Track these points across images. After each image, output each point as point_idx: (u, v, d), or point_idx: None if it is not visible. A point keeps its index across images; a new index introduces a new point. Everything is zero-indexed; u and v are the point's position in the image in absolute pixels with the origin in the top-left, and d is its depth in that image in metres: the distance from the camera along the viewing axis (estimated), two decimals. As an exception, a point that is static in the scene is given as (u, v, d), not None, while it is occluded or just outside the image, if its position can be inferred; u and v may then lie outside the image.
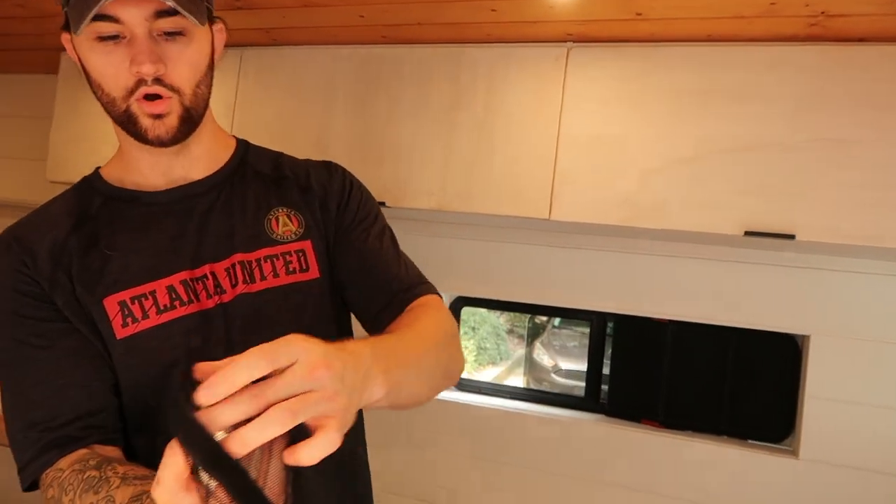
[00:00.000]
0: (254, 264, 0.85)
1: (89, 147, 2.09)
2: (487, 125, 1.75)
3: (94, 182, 0.88)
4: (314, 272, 0.88)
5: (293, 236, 0.88)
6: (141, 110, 0.78)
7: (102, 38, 0.75)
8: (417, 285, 0.91)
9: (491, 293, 2.10)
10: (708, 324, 1.91)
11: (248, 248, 0.85)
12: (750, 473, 1.83)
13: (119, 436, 0.79)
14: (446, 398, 2.13)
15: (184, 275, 0.81)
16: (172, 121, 0.79)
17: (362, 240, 0.92)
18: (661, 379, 2.00)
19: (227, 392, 0.45)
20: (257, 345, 0.67)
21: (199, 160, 0.88)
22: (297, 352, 0.49)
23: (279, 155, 0.98)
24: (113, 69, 0.76)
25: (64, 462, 0.73)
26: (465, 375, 2.26)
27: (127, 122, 0.79)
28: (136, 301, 0.79)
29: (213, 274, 0.82)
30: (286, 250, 0.87)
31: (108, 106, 0.79)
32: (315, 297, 0.87)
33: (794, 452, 1.83)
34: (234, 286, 0.83)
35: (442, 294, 2.16)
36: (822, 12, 1.41)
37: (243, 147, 0.95)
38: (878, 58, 1.50)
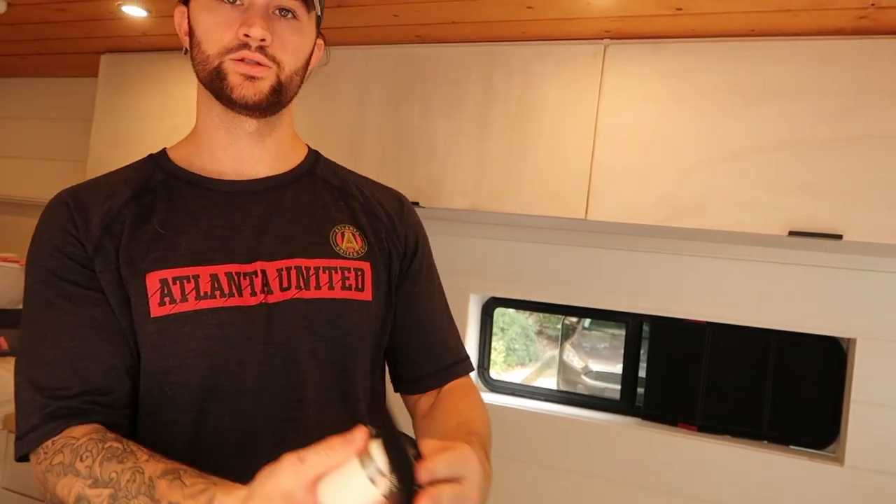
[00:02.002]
0: (311, 271, 0.84)
1: (128, 148, 2.12)
2: (522, 124, 1.73)
3: (159, 159, 0.89)
4: (367, 294, 0.87)
5: (355, 254, 0.88)
6: (232, 68, 0.80)
7: (220, 0, 0.81)
8: (462, 361, 0.96)
9: (525, 294, 2.07)
10: (747, 326, 1.86)
11: (308, 254, 0.85)
12: (792, 480, 1.78)
13: (126, 422, 0.77)
14: (479, 399, 2.11)
15: (232, 267, 0.80)
16: (264, 86, 0.81)
17: (428, 295, 0.97)
18: (698, 382, 1.96)
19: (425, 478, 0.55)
20: (301, 350, 0.82)
21: (271, 156, 0.89)
22: (472, 469, 0.59)
23: (350, 172, 0.99)
24: (221, 27, 0.80)
25: (77, 431, 0.71)
26: (496, 376, 2.24)
27: (215, 79, 0.81)
28: (177, 282, 0.78)
29: (263, 272, 0.81)
30: (346, 265, 0.87)
31: (201, 65, 0.82)
32: (363, 318, 0.87)
33: (838, 459, 1.77)
34: (284, 289, 0.82)
35: (475, 294, 2.15)
36: (873, 4, 1.37)
37: (314, 156, 0.97)
38: (930, 51, 1.44)
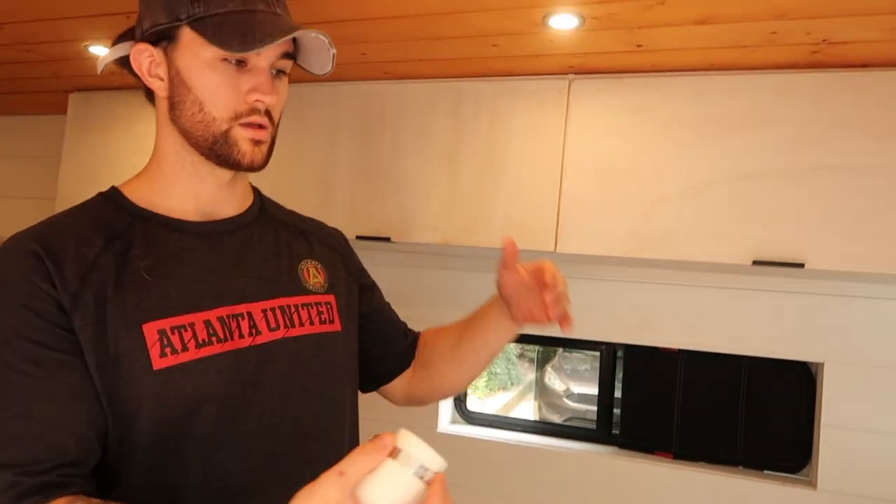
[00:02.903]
0: (293, 309, 0.87)
1: (96, 186, 2.09)
2: (491, 159, 1.75)
3: (116, 199, 0.84)
4: (338, 325, 0.92)
5: (321, 289, 0.93)
6: (242, 135, 0.81)
7: (227, 60, 0.79)
8: (410, 331, 1.13)
9: (499, 324, 2.07)
10: (719, 353, 1.88)
11: (287, 292, 0.88)
12: (767, 505, 1.79)
13: (97, 493, 0.73)
14: (453, 432, 2.10)
15: (222, 310, 0.80)
16: (265, 148, 0.84)
17: (383, 304, 1.10)
18: (673, 409, 1.97)
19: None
20: (294, 386, 0.84)
21: (237, 198, 0.90)
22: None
23: (290, 210, 1.02)
24: (228, 91, 0.79)
25: (59, 502, 0.67)
26: (473, 408, 2.23)
27: (223, 144, 0.81)
28: (175, 331, 0.76)
29: (249, 314, 0.82)
30: (318, 300, 0.91)
31: (203, 125, 0.80)
32: (339, 348, 0.92)
33: (811, 483, 1.79)
34: (272, 329, 0.84)
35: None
36: (824, 40, 1.41)
37: (259, 194, 0.98)
38: (882, 83, 1.49)
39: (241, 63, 0.80)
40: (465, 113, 1.78)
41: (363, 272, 1.08)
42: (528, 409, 5.35)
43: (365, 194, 1.85)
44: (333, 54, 0.84)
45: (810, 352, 1.79)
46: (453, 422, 2.20)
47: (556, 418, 4.76)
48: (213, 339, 0.78)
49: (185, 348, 0.76)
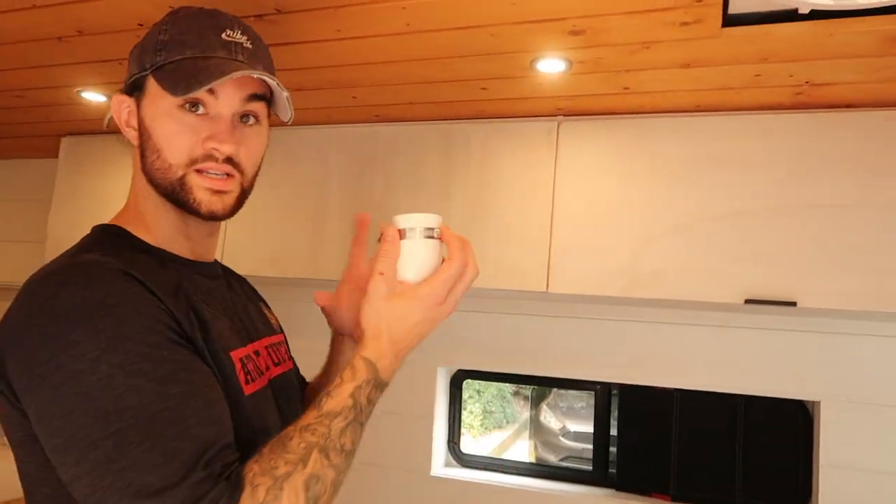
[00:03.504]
0: (275, 347, 0.93)
1: (87, 230, 2.10)
2: (482, 200, 1.75)
3: (125, 237, 0.81)
4: (291, 363, 0.99)
5: (278, 328, 1.00)
6: (197, 182, 0.79)
7: (184, 107, 0.78)
8: None
9: (491, 365, 2.06)
10: (714, 391, 1.86)
11: (267, 333, 0.93)
12: (769, 549, 1.75)
13: None
14: (447, 475, 2.06)
15: (252, 346, 0.84)
16: (230, 199, 0.81)
17: None
18: (669, 449, 1.94)
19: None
20: (294, 415, 0.80)
21: (214, 245, 0.91)
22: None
23: None
24: (184, 137, 0.78)
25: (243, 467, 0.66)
26: (467, 450, 2.20)
27: (179, 191, 0.79)
28: (249, 360, 0.81)
29: (258, 352, 0.86)
30: (281, 339, 0.97)
31: (160, 172, 0.79)
32: (295, 380, 0.98)
33: (813, 525, 1.75)
34: (276, 364, 0.90)
35: (442, 367, 2.13)
36: (807, 81, 1.43)
37: None
38: (864, 123, 1.51)
39: (200, 111, 0.79)
40: (456, 154, 1.80)
41: None
42: (523, 448, 5.27)
43: (356, 236, 1.84)
44: (287, 97, 0.84)
45: (806, 390, 1.77)
46: (447, 465, 2.16)
47: (551, 457, 4.69)
48: (263, 369, 0.84)
49: (259, 374, 0.82)
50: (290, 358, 0.99)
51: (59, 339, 0.64)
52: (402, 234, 0.77)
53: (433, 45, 1.36)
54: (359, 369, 0.74)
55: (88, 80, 1.69)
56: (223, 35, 0.81)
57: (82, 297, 0.66)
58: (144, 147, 0.81)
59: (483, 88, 1.60)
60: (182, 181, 0.78)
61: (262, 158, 0.89)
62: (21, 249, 2.54)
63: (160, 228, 0.83)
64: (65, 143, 2.23)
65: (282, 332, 1.00)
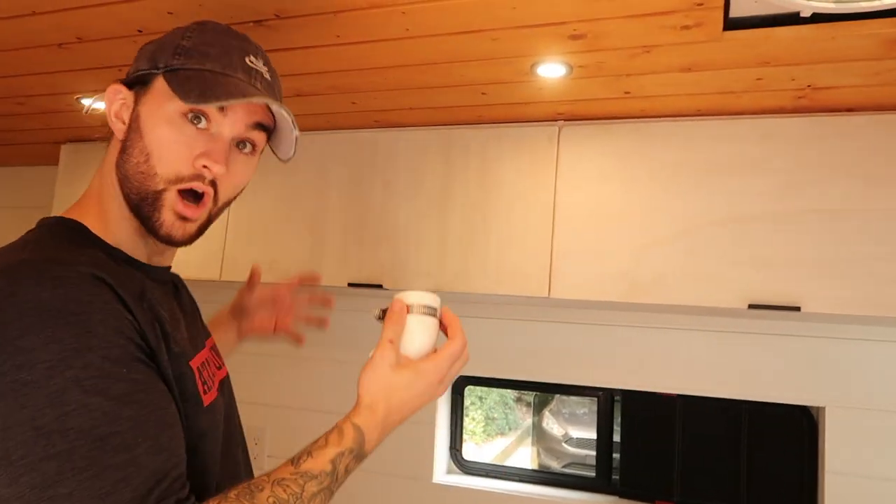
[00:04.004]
0: (213, 348, 0.93)
1: (87, 237, 2.10)
2: (482, 205, 1.75)
3: (90, 236, 0.76)
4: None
5: (208, 332, 1.00)
6: (171, 203, 0.75)
7: (187, 116, 0.75)
8: None
9: (493, 371, 2.05)
10: (718, 397, 1.85)
11: (208, 335, 0.94)
12: (774, 557, 1.73)
13: None
14: (449, 482, 2.05)
15: (202, 353, 0.84)
16: (193, 228, 0.78)
17: None
18: (673, 455, 1.92)
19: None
20: (236, 416, 0.93)
21: (174, 252, 0.88)
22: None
23: None
24: (178, 148, 0.74)
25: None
26: (469, 457, 2.18)
27: (149, 204, 0.74)
28: (205, 367, 0.81)
29: (207, 359, 0.86)
30: (213, 341, 0.97)
31: (142, 177, 0.74)
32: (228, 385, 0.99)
33: (818, 532, 1.74)
34: (219, 367, 0.90)
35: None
36: (809, 85, 1.43)
37: None
38: (867, 127, 1.50)
39: (202, 125, 0.76)
40: (456, 160, 1.79)
41: None
42: (525, 455, 5.24)
43: (356, 242, 1.84)
44: (297, 137, 0.82)
45: (810, 396, 1.76)
46: (449, 472, 2.14)
47: (554, 464, 4.66)
48: (210, 379, 0.82)
49: (211, 383, 0.81)
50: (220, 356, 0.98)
51: (7, 344, 0.58)
52: (407, 309, 0.81)
53: (433, 49, 1.36)
54: (346, 436, 0.72)
55: (88, 86, 1.69)
56: (247, 59, 0.80)
57: (40, 300, 0.60)
58: (131, 145, 0.77)
59: (483, 93, 1.59)
60: (158, 195, 0.75)
61: (242, 191, 0.85)
62: (21, 257, 2.54)
63: (120, 228, 0.78)
64: (65, 150, 2.23)
65: (209, 335, 0.97)
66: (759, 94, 1.49)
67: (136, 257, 0.79)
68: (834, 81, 1.40)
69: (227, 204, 0.82)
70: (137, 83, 0.80)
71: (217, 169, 0.75)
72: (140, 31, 1.33)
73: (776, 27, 1.19)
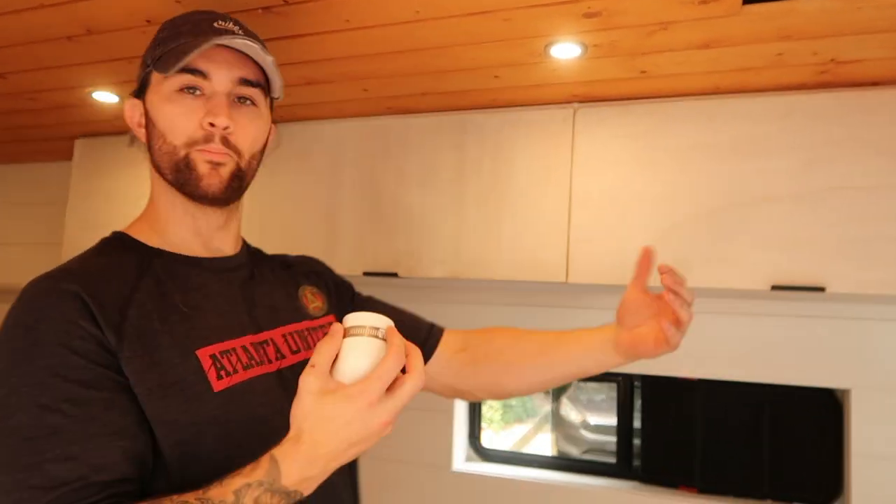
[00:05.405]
0: (306, 333, 0.94)
1: (103, 231, 2.09)
2: (497, 190, 1.72)
3: (127, 241, 0.87)
4: None
5: (321, 312, 1.01)
6: (200, 157, 0.83)
7: (183, 90, 0.84)
8: (427, 327, 1.12)
9: (511, 358, 2.03)
10: (739, 381, 1.82)
11: (296, 319, 0.94)
12: (799, 541, 1.71)
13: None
14: (468, 470, 2.04)
15: (249, 338, 0.85)
16: (226, 172, 0.84)
17: (377, 306, 1.10)
18: (694, 440, 1.90)
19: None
20: None
21: (231, 237, 0.94)
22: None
23: (261, 250, 1.08)
24: (184, 118, 0.83)
25: None
26: (488, 444, 2.17)
27: (183, 169, 0.83)
28: (224, 356, 0.81)
29: (272, 340, 0.88)
30: (322, 324, 0.99)
31: (167, 156, 0.84)
32: None
33: (845, 516, 1.71)
34: (294, 352, 0.90)
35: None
36: (832, 59, 1.39)
37: (244, 241, 1.03)
38: (893, 101, 1.46)
39: (198, 93, 0.84)
40: (470, 145, 1.77)
41: (347, 286, 1.13)
42: (544, 442, 5.24)
43: (370, 230, 1.83)
44: (272, 61, 0.87)
45: (835, 378, 1.73)
46: (468, 459, 2.14)
47: (573, 450, 4.65)
48: (253, 362, 0.83)
49: (234, 370, 0.80)
50: None
51: None
52: (346, 332, 0.70)
53: (444, 32, 1.33)
54: (260, 468, 0.67)
55: (100, 79, 1.68)
56: (215, 24, 0.87)
57: (16, 312, 0.73)
58: (151, 137, 0.86)
59: (496, 76, 1.57)
60: (186, 160, 0.83)
61: (265, 146, 0.92)
62: (38, 252, 2.56)
63: (175, 229, 0.88)
64: (78, 144, 2.23)
65: (324, 315, 1.01)
66: (780, 69, 1.45)
67: (191, 254, 0.88)
68: (858, 55, 1.36)
69: (255, 160, 0.89)
70: (142, 89, 0.89)
71: (219, 120, 0.82)
72: (148, 22, 1.32)
73: (798, -1, 1.15)
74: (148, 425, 0.73)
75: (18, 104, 1.91)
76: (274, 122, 0.96)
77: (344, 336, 0.70)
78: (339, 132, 1.91)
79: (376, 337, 0.70)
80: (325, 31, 1.34)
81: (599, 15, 1.23)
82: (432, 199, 1.78)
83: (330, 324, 0.96)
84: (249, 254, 1.00)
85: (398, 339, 0.70)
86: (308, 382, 0.67)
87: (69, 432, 0.68)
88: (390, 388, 0.68)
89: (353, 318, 0.71)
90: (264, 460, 0.67)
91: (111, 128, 2.12)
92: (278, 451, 0.67)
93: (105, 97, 1.82)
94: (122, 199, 2.14)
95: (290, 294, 0.99)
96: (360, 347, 0.69)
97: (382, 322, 0.71)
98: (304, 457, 0.66)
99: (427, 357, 1.05)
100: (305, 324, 0.95)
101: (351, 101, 1.77)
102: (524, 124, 1.72)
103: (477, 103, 1.75)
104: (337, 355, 0.69)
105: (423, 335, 1.08)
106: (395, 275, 1.77)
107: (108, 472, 0.68)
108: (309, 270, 1.08)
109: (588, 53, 1.41)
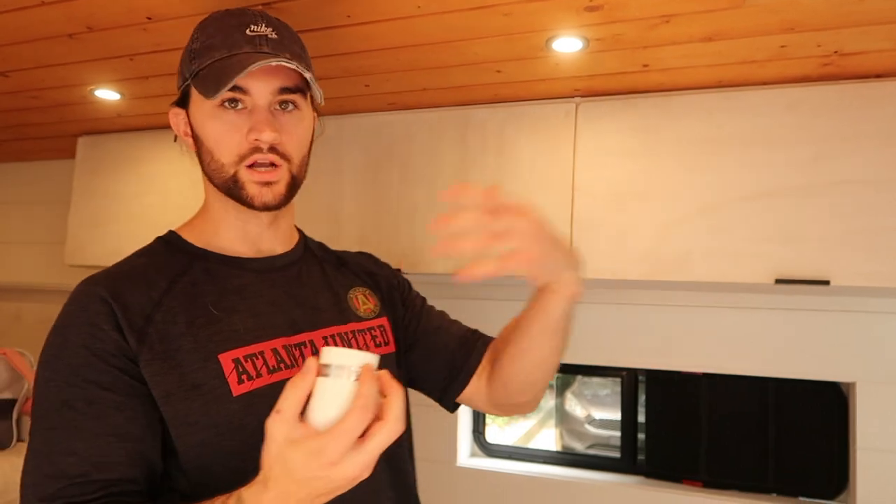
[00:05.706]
0: (349, 335, 0.92)
1: (106, 229, 2.10)
2: (500, 185, 1.72)
3: (174, 242, 0.90)
4: (392, 346, 0.99)
5: (373, 314, 0.99)
6: (249, 177, 0.84)
7: (225, 106, 0.84)
8: (480, 334, 1.07)
9: (515, 354, 2.03)
10: (744, 375, 1.82)
11: (340, 321, 0.93)
12: (804, 535, 1.71)
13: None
14: (472, 465, 2.05)
15: (283, 340, 0.84)
16: (280, 188, 0.86)
17: (431, 315, 1.08)
18: (699, 435, 1.90)
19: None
20: None
21: (283, 235, 0.95)
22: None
23: (324, 245, 1.08)
24: (230, 135, 0.83)
25: None
26: (493, 440, 2.18)
27: (234, 188, 0.85)
28: (248, 360, 0.81)
29: (311, 342, 0.87)
30: (371, 325, 0.97)
31: (216, 172, 0.85)
32: (394, 367, 0.97)
33: (850, 510, 1.71)
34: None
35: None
36: (836, 51, 1.38)
37: (302, 233, 1.04)
38: (897, 93, 1.45)
39: (239, 106, 0.84)
40: (473, 140, 1.76)
41: (401, 287, 1.09)
42: (549, 437, 5.25)
43: (374, 226, 1.82)
44: (311, 77, 0.85)
45: (840, 371, 1.72)
46: (472, 455, 2.14)
47: (578, 445, 4.65)
48: (282, 365, 0.82)
49: (258, 374, 0.80)
50: (382, 344, 0.97)
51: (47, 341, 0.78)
52: (321, 370, 0.63)
53: (445, 27, 1.33)
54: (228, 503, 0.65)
55: (101, 77, 1.68)
56: (247, 31, 0.85)
57: (59, 314, 0.79)
58: (200, 151, 0.88)
59: (498, 71, 1.56)
60: (235, 178, 0.84)
61: (311, 144, 0.92)
62: (41, 251, 2.56)
63: (224, 232, 0.90)
64: (81, 142, 2.23)
65: (376, 317, 0.99)
66: (784, 62, 1.44)
67: (237, 255, 0.89)
68: (862, 46, 1.35)
69: (305, 160, 0.90)
70: (184, 98, 0.90)
71: (264, 136, 0.82)
72: (149, 19, 1.31)
73: (802, -10, 1.14)
74: (160, 429, 0.76)
75: (20, 102, 1.92)
76: (316, 112, 0.95)
77: (318, 373, 0.63)
78: (341, 129, 1.90)
79: (346, 378, 0.62)
80: (326, 26, 1.34)
81: (601, 8, 1.23)
82: (436, 194, 1.78)
83: (380, 326, 0.98)
84: (306, 249, 1.00)
85: (368, 386, 0.61)
86: (273, 430, 0.62)
87: (80, 429, 0.72)
88: (363, 436, 0.61)
89: (327, 355, 0.64)
90: (231, 500, 0.65)
91: (114, 125, 2.12)
92: (247, 493, 0.64)
93: (107, 95, 1.82)
94: (124, 197, 2.14)
95: (337, 294, 0.97)
96: (329, 391, 0.62)
97: (357, 360, 0.63)
98: (276, 502, 0.63)
99: (467, 376, 1.01)
100: (352, 325, 0.94)
101: (352, 97, 1.77)
102: (526, 119, 1.72)
103: (479, 98, 1.75)
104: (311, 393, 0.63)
105: (459, 357, 1.02)
106: (398, 270, 1.77)
107: (109, 472, 0.71)
108: (364, 270, 1.06)
109: (590, 47, 1.40)
